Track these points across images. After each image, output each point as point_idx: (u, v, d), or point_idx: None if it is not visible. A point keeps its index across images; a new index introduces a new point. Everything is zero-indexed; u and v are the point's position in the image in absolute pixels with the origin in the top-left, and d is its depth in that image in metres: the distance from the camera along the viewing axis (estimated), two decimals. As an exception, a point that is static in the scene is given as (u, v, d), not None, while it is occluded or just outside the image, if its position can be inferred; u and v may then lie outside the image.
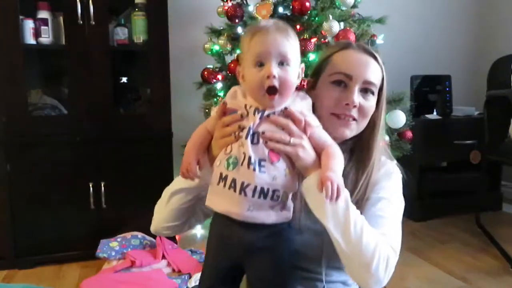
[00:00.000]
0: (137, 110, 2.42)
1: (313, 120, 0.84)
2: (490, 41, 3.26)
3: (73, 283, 1.97)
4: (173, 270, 2.03)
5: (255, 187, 0.78)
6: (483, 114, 2.55)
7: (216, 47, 2.16)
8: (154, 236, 2.17)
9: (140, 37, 2.21)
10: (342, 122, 0.92)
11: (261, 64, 0.79)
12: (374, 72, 0.93)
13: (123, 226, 2.20)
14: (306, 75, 0.97)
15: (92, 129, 2.15)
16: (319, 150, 0.83)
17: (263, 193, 0.78)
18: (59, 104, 2.25)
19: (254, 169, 0.78)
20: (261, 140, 0.79)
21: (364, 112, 0.93)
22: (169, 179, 2.47)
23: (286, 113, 0.81)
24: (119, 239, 2.11)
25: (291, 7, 1.91)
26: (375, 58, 0.94)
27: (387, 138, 2.01)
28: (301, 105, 0.84)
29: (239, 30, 2.07)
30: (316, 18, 1.91)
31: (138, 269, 1.97)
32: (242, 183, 0.78)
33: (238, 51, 2.05)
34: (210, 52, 2.20)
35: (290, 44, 0.81)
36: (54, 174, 2.12)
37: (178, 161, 2.47)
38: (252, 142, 0.79)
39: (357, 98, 0.90)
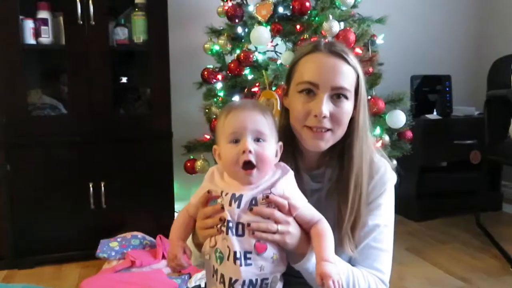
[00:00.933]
0: (137, 110, 2.42)
1: (298, 199, 0.82)
2: (490, 41, 3.26)
3: (73, 283, 1.97)
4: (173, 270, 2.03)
5: (244, 282, 0.77)
6: (483, 114, 2.55)
7: (216, 47, 2.16)
8: (154, 236, 2.17)
9: (140, 37, 2.21)
10: (316, 135, 0.87)
11: (236, 141, 0.78)
12: (343, 76, 0.86)
13: (123, 226, 2.20)
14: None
15: (92, 129, 2.15)
16: (306, 227, 0.83)
17: (252, 284, 0.78)
18: (59, 104, 2.24)
19: (241, 264, 0.77)
20: (246, 232, 0.77)
21: (337, 120, 0.87)
22: (169, 179, 2.50)
23: (269, 201, 0.78)
24: (119, 239, 2.11)
25: (291, 7, 1.91)
26: (345, 60, 0.87)
27: (387, 138, 2.01)
28: (283, 183, 0.80)
29: (239, 30, 2.08)
30: (316, 18, 1.91)
31: (138, 269, 1.97)
32: (230, 279, 0.78)
33: (238, 51, 2.05)
34: (210, 52, 2.20)
35: (267, 121, 0.80)
36: (54, 174, 2.12)
37: (178, 161, 2.49)
38: (236, 234, 0.77)
39: (326, 108, 0.85)
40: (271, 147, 0.80)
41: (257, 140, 0.78)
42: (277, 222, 0.78)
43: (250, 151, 0.76)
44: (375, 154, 0.97)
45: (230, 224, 0.77)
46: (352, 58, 0.89)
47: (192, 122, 2.37)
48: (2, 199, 2.07)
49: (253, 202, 0.78)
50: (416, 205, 2.82)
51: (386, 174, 0.96)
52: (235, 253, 0.77)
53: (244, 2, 2.09)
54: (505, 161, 2.59)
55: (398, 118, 1.97)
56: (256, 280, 0.78)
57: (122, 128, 2.21)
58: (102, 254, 2.03)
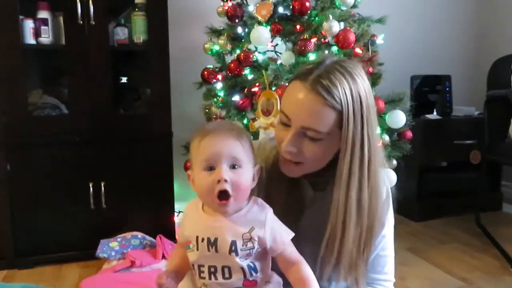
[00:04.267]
0: (137, 110, 2.42)
1: (279, 239, 0.78)
2: (490, 41, 3.26)
3: (73, 283, 1.97)
4: (173, 270, 2.03)
5: None
6: (483, 114, 2.55)
7: (216, 47, 2.16)
8: (154, 236, 2.17)
9: (140, 37, 2.21)
10: (285, 162, 0.85)
11: (211, 168, 0.74)
12: (318, 118, 0.79)
13: (123, 226, 2.20)
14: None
15: (92, 129, 2.15)
16: (285, 267, 0.81)
17: None
18: (60, 103, 2.24)
19: None
20: (233, 274, 0.76)
21: (304, 157, 0.82)
22: (169, 179, 2.49)
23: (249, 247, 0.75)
24: (119, 239, 2.11)
25: (291, 7, 1.91)
26: (326, 101, 0.78)
27: (387, 138, 2.01)
28: (264, 223, 0.77)
29: (239, 30, 2.07)
30: (316, 18, 1.91)
31: (138, 269, 1.97)
32: None
33: (238, 51, 2.05)
34: (210, 52, 2.20)
35: (242, 146, 0.76)
36: (54, 174, 2.12)
37: (178, 161, 2.49)
38: (223, 278, 0.76)
39: (290, 144, 0.81)
40: (248, 173, 0.76)
41: (233, 167, 0.74)
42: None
43: (225, 180, 0.72)
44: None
45: (213, 270, 0.75)
46: (338, 96, 0.78)
47: (192, 122, 2.36)
48: (2, 199, 2.07)
49: (233, 248, 0.74)
50: (416, 205, 2.82)
51: (389, 225, 0.99)
52: None
53: (244, 2, 2.09)
54: (505, 161, 2.59)
55: (398, 118, 1.97)
56: None
57: (122, 128, 2.21)
58: (102, 254, 2.03)
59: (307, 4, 1.86)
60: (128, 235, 2.15)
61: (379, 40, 2.13)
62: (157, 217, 2.26)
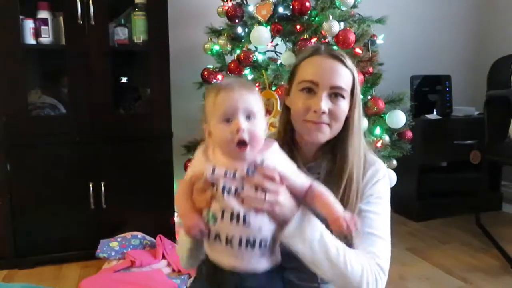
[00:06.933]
0: (137, 110, 2.42)
1: (287, 168, 0.84)
2: (490, 41, 3.26)
3: (73, 283, 1.97)
4: (173, 270, 2.03)
5: (240, 238, 0.80)
6: (483, 114, 2.55)
7: (216, 47, 2.16)
8: (154, 236, 2.17)
9: (140, 37, 2.21)
10: (316, 126, 0.94)
11: (228, 120, 0.80)
12: (341, 77, 0.94)
13: (123, 226, 2.20)
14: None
15: (92, 129, 2.15)
16: (298, 194, 0.85)
17: (249, 243, 0.80)
18: (59, 103, 2.24)
19: (238, 222, 0.79)
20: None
21: (335, 117, 0.94)
22: (169, 179, 2.49)
23: (259, 172, 0.81)
24: (119, 239, 2.11)
25: (291, 7, 1.91)
26: (343, 62, 0.95)
27: (387, 138, 2.01)
28: (271, 155, 0.83)
29: (239, 30, 2.08)
30: (316, 18, 1.92)
31: (138, 269, 1.97)
32: (226, 236, 0.80)
33: (238, 51, 2.05)
34: (210, 52, 2.20)
35: (255, 99, 0.83)
36: (54, 174, 2.12)
37: (178, 161, 2.48)
38: (233, 195, 0.80)
39: (325, 104, 0.92)
40: (261, 124, 0.83)
41: (248, 117, 0.81)
42: (267, 191, 0.80)
43: (243, 130, 0.79)
44: (369, 153, 1.03)
45: (226, 187, 0.80)
46: (349, 62, 0.96)
47: (192, 122, 2.36)
48: (2, 199, 2.07)
49: (247, 174, 0.81)
50: (416, 205, 2.82)
51: (379, 170, 1.00)
52: (231, 212, 0.79)
53: (244, 2, 2.09)
54: (505, 161, 2.59)
55: (398, 118, 1.97)
56: (254, 239, 0.80)
57: (122, 128, 2.21)
58: (102, 254, 2.03)
59: (307, 4, 1.87)
60: (128, 235, 2.15)
61: (379, 40, 2.14)
62: (157, 217, 2.26)
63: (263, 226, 0.81)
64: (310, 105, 0.93)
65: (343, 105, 0.95)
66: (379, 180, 0.99)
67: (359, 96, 0.99)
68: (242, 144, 0.79)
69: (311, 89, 0.94)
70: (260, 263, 0.82)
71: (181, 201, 0.87)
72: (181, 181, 0.89)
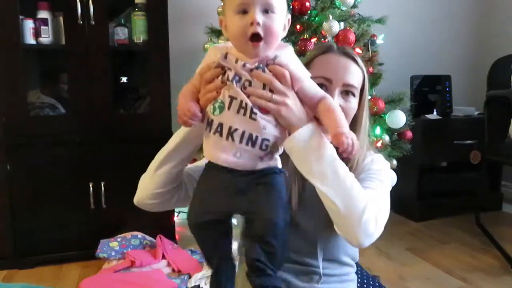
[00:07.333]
0: (137, 110, 2.42)
1: (301, 72, 0.79)
2: (490, 41, 3.26)
3: (73, 283, 1.97)
4: (173, 270, 2.03)
5: (243, 132, 0.75)
6: (483, 114, 2.55)
7: (216, 47, 2.16)
8: (154, 236, 2.17)
9: (140, 37, 2.21)
10: None
11: (244, 12, 0.74)
12: (353, 75, 0.96)
13: (123, 226, 2.20)
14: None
15: (92, 129, 2.15)
16: (310, 103, 0.80)
17: (251, 140, 0.75)
18: (57, 103, 2.24)
19: (244, 114, 0.75)
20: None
21: (345, 114, 0.91)
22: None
23: (270, 68, 0.76)
24: (119, 239, 2.11)
25: (291, 7, 1.91)
26: (355, 61, 0.97)
27: (387, 138, 2.01)
28: (286, 54, 0.78)
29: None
30: (316, 18, 1.91)
31: (138, 269, 1.97)
32: (230, 128, 0.75)
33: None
34: (210, 52, 2.19)
35: None
36: (54, 174, 2.12)
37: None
38: (241, 88, 0.75)
39: (337, 101, 0.92)
40: (280, 20, 0.77)
41: (266, 11, 0.75)
42: (274, 91, 0.76)
43: (258, 23, 0.73)
44: (371, 151, 1.03)
45: (237, 78, 0.75)
46: (360, 61, 0.99)
47: (192, 122, 2.37)
48: (2, 199, 2.07)
49: (256, 68, 0.76)
50: (416, 205, 2.82)
51: (380, 158, 1.01)
52: (240, 102, 0.75)
53: (244, 2, 2.09)
54: (505, 161, 2.59)
55: (398, 118, 1.97)
56: (257, 137, 0.75)
57: (122, 128, 2.21)
58: (102, 254, 2.03)
59: (307, 4, 1.86)
60: (128, 235, 2.15)
61: (379, 40, 2.14)
62: (157, 217, 2.23)
63: (268, 127, 0.76)
64: None
65: (354, 102, 0.96)
66: (379, 161, 0.99)
67: (367, 96, 1.01)
68: (255, 38, 0.74)
69: (322, 85, 0.93)
70: (257, 164, 0.77)
71: (181, 96, 0.82)
72: (186, 84, 0.86)
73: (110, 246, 2.06)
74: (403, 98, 2.02)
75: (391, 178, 1.00)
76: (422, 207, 2.84)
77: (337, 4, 1.91)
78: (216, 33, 2.19)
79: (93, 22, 2.06)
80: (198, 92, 0.81)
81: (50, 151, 2.11)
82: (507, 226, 2.77)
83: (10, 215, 2.09)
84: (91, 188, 2.15)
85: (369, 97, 1.95)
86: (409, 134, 2.10)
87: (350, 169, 0.87)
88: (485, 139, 2.49)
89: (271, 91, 0.76)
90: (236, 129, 0.75)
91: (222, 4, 0.82)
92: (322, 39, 1.90)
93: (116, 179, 2.19)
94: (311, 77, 0.88)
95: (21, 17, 2.02)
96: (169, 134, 0.95)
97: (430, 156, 2.80)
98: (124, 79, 2.51)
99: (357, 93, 0.97)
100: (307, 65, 0.98)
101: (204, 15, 2.35)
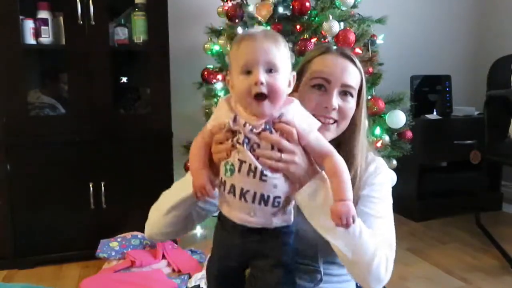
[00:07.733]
0: (137, 110, 2.42)
1: (307, 126, 0.81)
2: (490, 41, 3.26)
3: (73, 283, 1.97)
4: (173, 270, 2.03)
5: (255, 193, 0.78)
6: (483, 114, 2.55)
7: (216, 47, 2.16)
8: (154, 236, 2.17)
9: (140, 37, 2.21)
10: (322, 125, 0.91)
11: (248, 72, 0.78)
12: (351, 76, 0.97)
13: (123, 226, 2.20)
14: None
15: (92, 129, 2.15)
16: (316, 158, 0.83)
17: (263, 199, 0.78)
18: (56, 103, 2.24)
19: (254, 176, 0.78)
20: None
21: (343, 114, 0.97)
22: (169, 179, 2.49)
23: (276, 127, 0.78)
24: (119, 239, 2.11)
25: (291, 7, 1.91)
26: (353, 62, 0.98)
27: (387, 138, 2.01)
28: (292, 110, 0.81)
29: (239, 30, 2.07)
30: (316, 18, 1.91)
31: (138, 269, 1.97)
32: (242, 189, 0.79)
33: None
34: (210, 52, 2.20)
35: (279, 51, 0.79)
36: (54, 174, 2.12)
37: (178, 161, 2.48)
38: (251, 150, 0.78)
39: (335, 101, 0.94)
40: (283, 78, 0.79)
41: (269, 71, 0.77)
42: (282, 151, 0.79)
43: (261, 83, 0.76)
44: (371, 152, 1.05)
45: (246, 140, 0.78)
46: (358, 62, 1.00)
47: (192, 122, 2.36)
48: (2, 199, 2.07)
49: (266, 127, 0.79)
50: (416, 205, 2.82)
51: (382, 165, 1.03)
52: (250, 165, 0.77)
53: (244, 2, 2.09)
54: (505, 161, 2.59)
55: (398, 118, 1.97)
56: (268, 196, 0.79)
57: (122, 128, 2.21)
58: (102, 254, 2.03)
59: (307, 4, 1.86)
60: (128, 235, 2.15)
61: (379, 40, 2.13)
62: (157, 217, 2.26)
63: (278, 184, 0.79)
64: (321, 101, 0.95)
65: (352, 103, 0.97)
66: (382, 172, 1.01)
67: (365, 96, 1.02)
68: (260, 96, 0.76)
69: (321, 86, 0.95)
70: (271, 221, 0.81)
71: (193, 158, 0.85)
72: (197, 136, 0.87)
73: (110, 246, 2.06)
74: (403, 98, 2.02)
75: (391, 179, 1.01)
76: (422, 207, 2.84)
77: (337, 4, 1.91)
78: (216, 33, 2.19)
79: (93, 22, 2.06)
80: (209, 147, 0.85)
81: (50, 151, 2.11)
82: (507, 226, 2.77)
83: (10, 215, 2.09)
84: (91, 188, 2.15)
85: (369, 97, 1.95)
86: (409, 134, 2.10)
87: (353, 176, 0.91)
88: (485, 139, 2.49)
89: (279, 149, 0.79)
90: (247, 191, 0.78)
91: (228, 61, 0.85)
92: (322, 39, 1.90)
93: (116, 179, 2.19)
94: (311, 77, 0.92)
95: (21, 17, 2.03)
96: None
97: (430, 156, 2.80)
98: (124, 79, 2.51)
99: (355, 93, 0.98)
100: (306, 65, 1.00)
101: (204, 15, 2.35)
